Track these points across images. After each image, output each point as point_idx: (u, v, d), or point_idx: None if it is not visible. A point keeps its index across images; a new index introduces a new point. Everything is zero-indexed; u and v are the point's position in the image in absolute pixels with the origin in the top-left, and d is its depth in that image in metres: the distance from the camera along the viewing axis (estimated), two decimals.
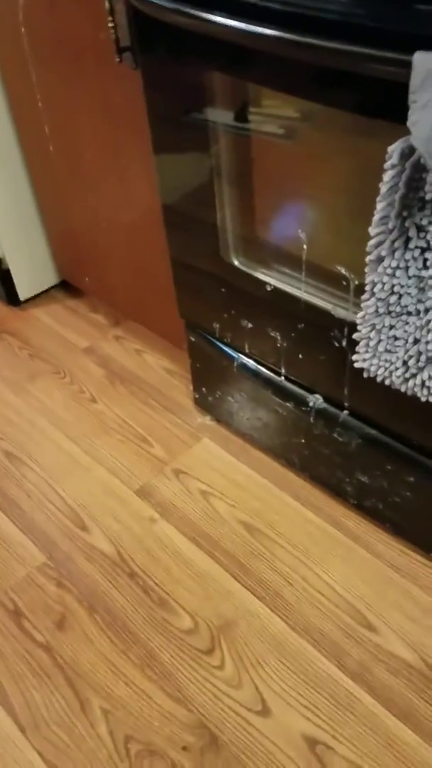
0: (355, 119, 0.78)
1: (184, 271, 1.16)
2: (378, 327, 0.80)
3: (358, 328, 0.83)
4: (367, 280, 0.78)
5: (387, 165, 0.68)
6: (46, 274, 1.63)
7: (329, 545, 1.10)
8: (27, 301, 1.64)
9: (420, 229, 0.71)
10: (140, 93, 1.00)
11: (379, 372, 0.84)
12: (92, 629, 1.02)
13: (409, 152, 0.67)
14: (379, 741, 0.88)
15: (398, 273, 0.74)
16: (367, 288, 0.79)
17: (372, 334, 0.81)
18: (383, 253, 0.74)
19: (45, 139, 1.33)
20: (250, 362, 1.15)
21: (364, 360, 0.85)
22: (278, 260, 1.00)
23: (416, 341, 0.78)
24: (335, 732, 0.89)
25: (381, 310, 0.78)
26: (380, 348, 0.82)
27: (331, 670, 0.95)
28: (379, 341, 0.81)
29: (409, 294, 0.75)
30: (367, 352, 0.84)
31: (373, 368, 0.84)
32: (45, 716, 0.93)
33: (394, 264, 0.74)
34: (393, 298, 0.77)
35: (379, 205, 0.71)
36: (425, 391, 0.81)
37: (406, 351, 0.79)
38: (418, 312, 0.76)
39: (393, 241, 0.73)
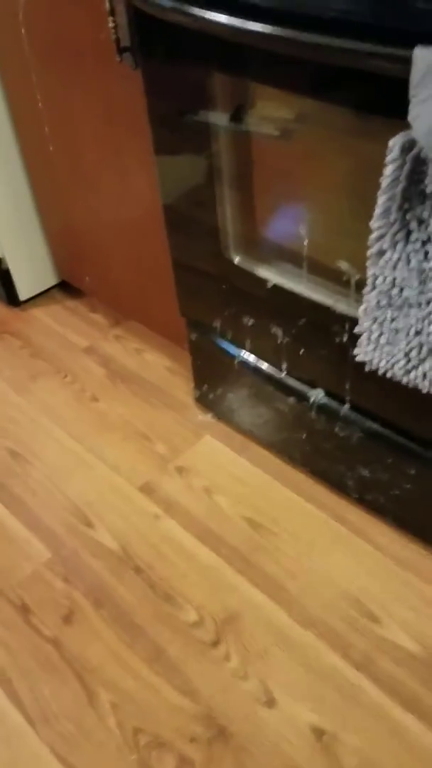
0: (354, 118, 0.80)
1: (184, 270, 1.17)
2: (380, 319, 0.81)
3: (360, 321, 0.84)
4: (369, 273, 0.79)
5: (388, 159, 0.69)
6: (45, 274, 1.64)
7: (332, 539, 1.11)
8: (27, 301, 1.65)
9: (421, 221, 0.73)
10: (140, 93, 1.01)
11: (381, 364, 0.85)
12: (99, 624, 1.03)
13: (409, 146, 0.68)
14: (385, 730, 0.89)
15: (399, 265, 0.75)
16: (369, 281, 0.80)
17: (374, 327, 0.82)
18: (385, 246, 0.75)
19: (45, 139, 1.33)
20: (251, 359, 1.15)
21: (366, 353, 0.86)
22: (279, 257, 1.01)
23: (417, 333, 0.79)
24: (341, 722, 0.90)
25: (382, 303, 0.80)
26: (382, 340, 0.83)
27: (335, 662, 0.96)
28: (381, 333, 0.82)
29: (410, 286, 0.76)
30: (368, 345, 0.85)
31: (375, 361, 0.85)
32: (54, 710, 0.94)
33: (395, 257, 0.75)
34: (394, 291, 0.78)
35: (381, 199, 0.72)
36: (426, 383, 0.82)
37: (408, 343, 0.80)
38: (419, 304, 0.77)
39: (394, 234, 0.74)
